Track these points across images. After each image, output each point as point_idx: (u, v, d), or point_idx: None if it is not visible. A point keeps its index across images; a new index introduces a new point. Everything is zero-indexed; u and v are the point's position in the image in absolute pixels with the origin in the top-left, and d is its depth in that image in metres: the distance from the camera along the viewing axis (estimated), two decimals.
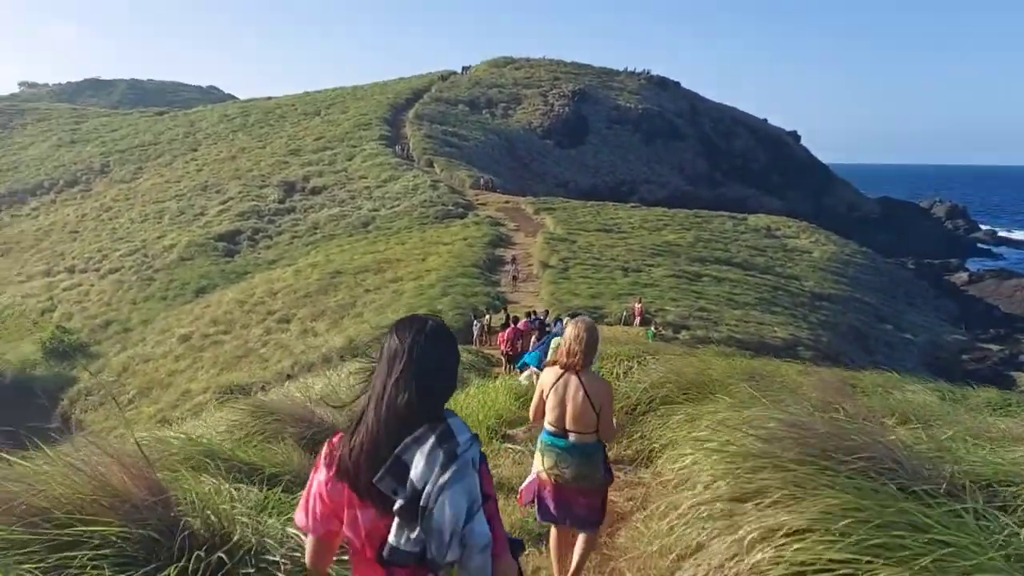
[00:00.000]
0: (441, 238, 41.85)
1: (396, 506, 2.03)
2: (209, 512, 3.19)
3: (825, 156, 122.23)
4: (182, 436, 4.46)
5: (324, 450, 2.20)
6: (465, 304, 28.65)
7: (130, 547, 2.97)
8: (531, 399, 4.48)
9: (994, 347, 43.74)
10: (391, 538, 2.05)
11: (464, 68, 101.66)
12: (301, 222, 52.77)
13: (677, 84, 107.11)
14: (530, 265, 35.32)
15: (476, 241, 39.99)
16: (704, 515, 4.01)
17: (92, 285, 47.70)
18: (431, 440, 2.06)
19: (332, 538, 2.19)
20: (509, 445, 6.66)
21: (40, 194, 73.97)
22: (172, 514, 3.13)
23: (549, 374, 4.27)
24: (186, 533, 3.05)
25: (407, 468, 2.04)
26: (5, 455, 3.53)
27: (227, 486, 3.56)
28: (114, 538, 2.95)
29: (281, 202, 56.89)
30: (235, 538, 3.10)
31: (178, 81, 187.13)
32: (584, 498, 4.22)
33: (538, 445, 4.31)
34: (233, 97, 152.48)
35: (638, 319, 27.21)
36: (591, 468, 4.18)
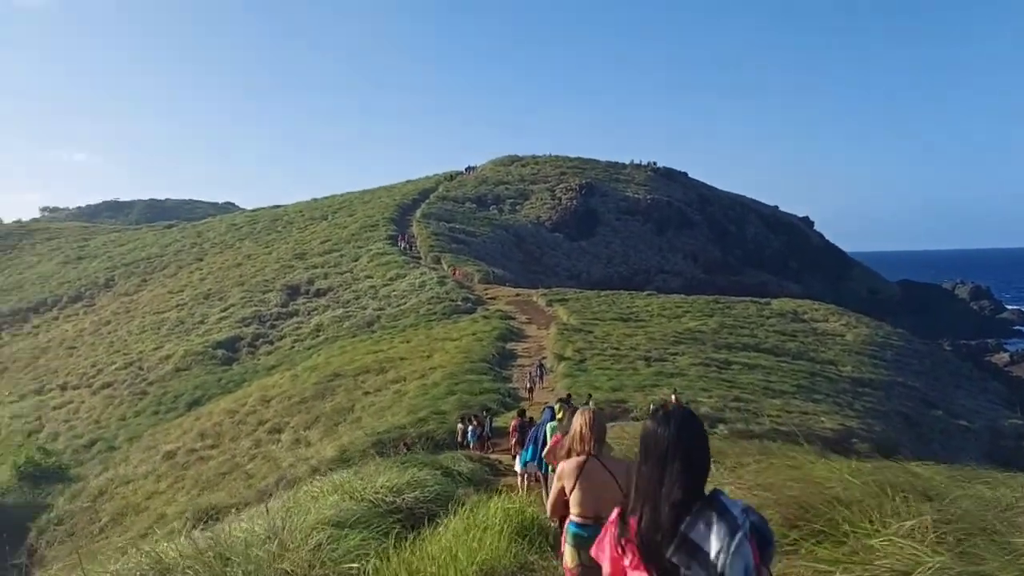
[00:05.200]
0: (449, 334, 39.23)
1: None
2: None
3: (840, 244, 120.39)
4: None
5: (610, 527, 2.55)
6: (473, 403, 25.73)
7: None
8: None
9: None
10: None
11: (469, 167, 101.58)
12: (304, 325, 50.42)
13: (684, 174, 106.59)
14: (544, 358, 32.47)
15: (485, 335, 37.32)
16: None
17: (83, 402, 45.12)
18: (713, 516, 2.33)
19: None
20: None
21: (43, 311, 72.45)
22: None
23: (567, 464, 4.23)
24: None
25: (697, 545, 2.31)
26: None
27: None
28: None
29: (284, 306, 54.79)
30: None
31: (195, 199, 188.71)
32: None
33: (567, 539, 4.15)
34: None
35: None
36: None
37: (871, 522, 4.18)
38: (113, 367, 48.97)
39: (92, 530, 26.22)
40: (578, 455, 4.19)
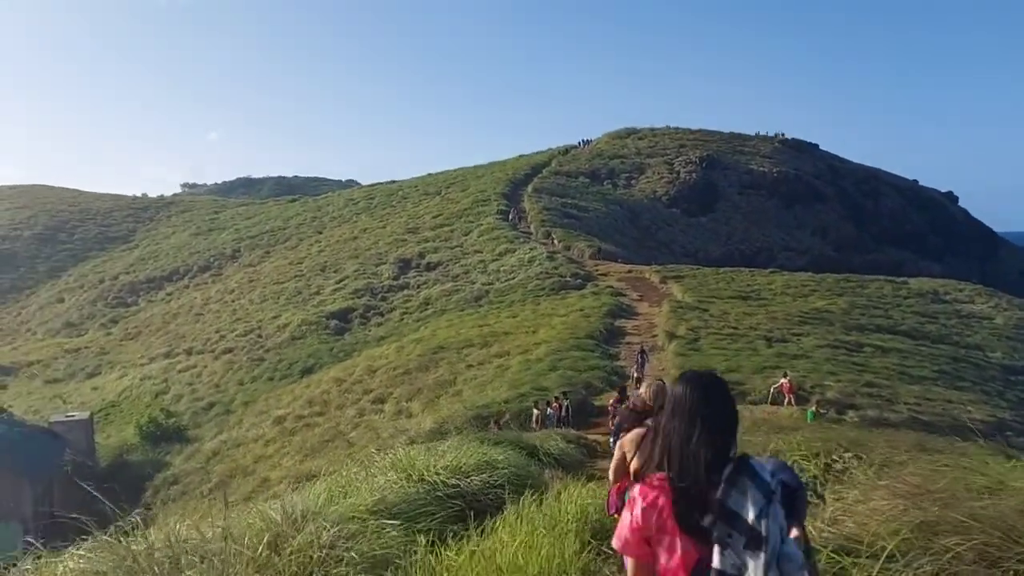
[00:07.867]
0: (556, 310, 38.06)
1: (742, 544, 2.23)
2: None
3: (988, 222, 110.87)
4: None
5: (637, 490, 2.39)
6: (577, 380, 24.50)
7: None
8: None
9: None
10: (716, 563, 2.24)
11: (583, 141, 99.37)
12: (413, 298, 50.53)
13: (815, 146, 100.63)
14: (654, 336, 30.77)
15: (594, 312, 35.89)
16: None
17: (205, 366, 46.92)
18: (747, 482, 2.28)
19: (648, 559, 2.35)
20: None
21: (175, 280, 76.50)
22: None
23: (630, 435, 4.26)
24: None
25: (735, 513, 2.25)
26: None
27: None
28: None
29: (395, 279, 55.15)
30: None
31: (320, 177, 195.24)
32: None
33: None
34: None
35: (789, 397, 22.12)
36: None
37: None
38: (234, 334, 50.73)
39: (202, 490, 26.83)
40: (642, 415, 4.26)
